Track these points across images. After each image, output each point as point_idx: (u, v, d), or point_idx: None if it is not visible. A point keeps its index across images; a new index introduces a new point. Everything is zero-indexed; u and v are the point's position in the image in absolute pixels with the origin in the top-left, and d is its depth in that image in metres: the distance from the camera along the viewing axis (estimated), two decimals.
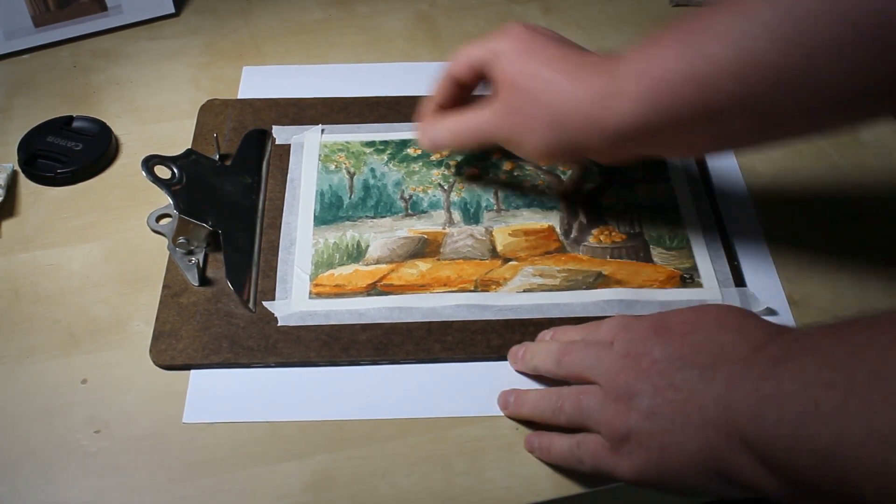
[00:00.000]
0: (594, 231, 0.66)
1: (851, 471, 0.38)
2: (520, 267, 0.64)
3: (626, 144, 0.57)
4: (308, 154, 0.71)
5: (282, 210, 0.67)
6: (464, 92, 0.65)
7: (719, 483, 0.47)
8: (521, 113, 0.59)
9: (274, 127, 0.73)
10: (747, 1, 0.52)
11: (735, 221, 0.67)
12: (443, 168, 0.70)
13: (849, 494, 0.38)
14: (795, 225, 0.67)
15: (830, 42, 0.49)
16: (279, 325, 0.60)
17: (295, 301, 0.61)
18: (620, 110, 0.55)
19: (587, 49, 0.61)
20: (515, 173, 0.70)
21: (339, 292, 0.61)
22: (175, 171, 0.64)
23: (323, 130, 0.73)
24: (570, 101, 0.57)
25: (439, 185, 0.69)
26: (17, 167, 0.70)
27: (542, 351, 0.56)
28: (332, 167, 0.70)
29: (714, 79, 0.52)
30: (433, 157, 0.71)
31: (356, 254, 0.64)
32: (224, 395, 0.57)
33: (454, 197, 0.68)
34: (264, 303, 0.61)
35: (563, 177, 0.69)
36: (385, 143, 0.72)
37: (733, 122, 0.54)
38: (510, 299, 0.61)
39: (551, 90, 0.57)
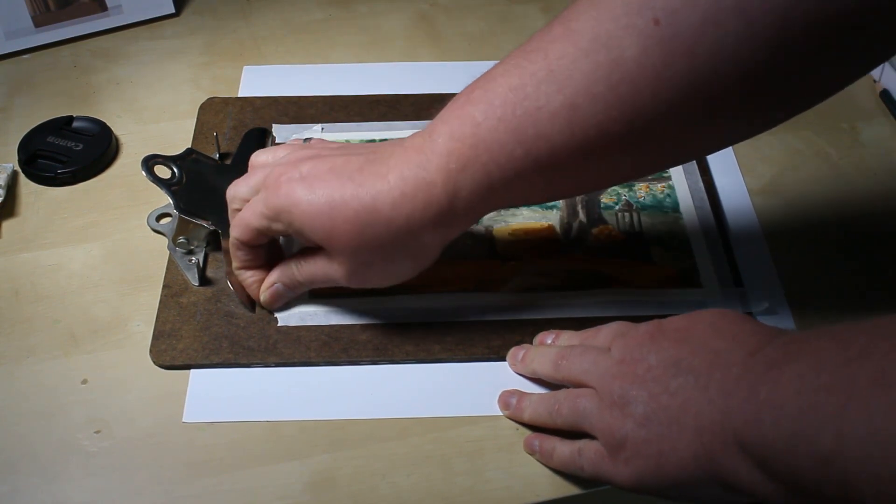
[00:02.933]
0: (594, 231, 0.66)
1: (853, 475, 0.38)
2: (520, 267, 0.64)
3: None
4: None
5: None
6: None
7: (718, 489, 0.46)
8: (379, 266, 0.56)
9: (274, 125, 0.73)
10: (563, 65, 0.50)
11: (735, 221, 0.67)
12: None
13: (850, 499, 0.38)
14: (795, 225, 0.67)
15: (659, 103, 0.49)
16: (279, 325, 0.60)
17: (295, 301, 0.61)
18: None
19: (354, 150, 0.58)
20: None
21: (339, 292, 0.61)
22: (175, 170, 0.64)
23: (323, 129, 0.73)
24: (415, 222, 0.53)
25: None
26: (17, 167, 0.70)
27: (541, 355, 0.56)
28: None
29: (554, 158, 0.51)
30: None
31: None
32: (224, 395, 0.57)
33: None
34: None
35: None
36: (385, 141, 0.72)
37: (573, 176, 0.54)
38: (510, 299, 0.61)
39: (388, 223, 0.53)
